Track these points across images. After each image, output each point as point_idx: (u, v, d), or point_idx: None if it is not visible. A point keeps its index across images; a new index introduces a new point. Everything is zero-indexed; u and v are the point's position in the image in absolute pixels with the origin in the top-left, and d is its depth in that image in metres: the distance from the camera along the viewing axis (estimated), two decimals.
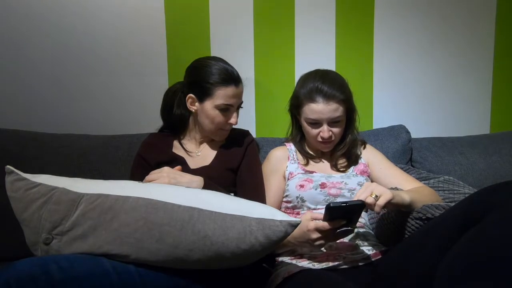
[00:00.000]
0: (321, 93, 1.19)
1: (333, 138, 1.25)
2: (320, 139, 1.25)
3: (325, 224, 0.98)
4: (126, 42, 1.65)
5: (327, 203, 0.96)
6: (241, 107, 1.30)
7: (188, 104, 1.26)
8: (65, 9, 1.60)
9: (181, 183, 1.09)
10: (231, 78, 1.22)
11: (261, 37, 1.70)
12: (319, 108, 1.20)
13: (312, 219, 1.02)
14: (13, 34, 1.59)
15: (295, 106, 1.29)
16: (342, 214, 0.98)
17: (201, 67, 1.24)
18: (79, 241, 0.83)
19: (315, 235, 1.00)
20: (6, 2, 1.57)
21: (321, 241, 1.01)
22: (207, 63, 1.24)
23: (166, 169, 1.13)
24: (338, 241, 1.12)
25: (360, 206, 0.98)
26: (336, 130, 1.24)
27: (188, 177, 1.14)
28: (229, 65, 1.25)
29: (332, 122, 1.22)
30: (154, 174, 1.12)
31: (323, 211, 1.19)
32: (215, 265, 0.86)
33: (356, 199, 1.00)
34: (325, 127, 1.22)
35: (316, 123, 1.23)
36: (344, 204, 0.95)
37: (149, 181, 1.09)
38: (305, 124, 1.27)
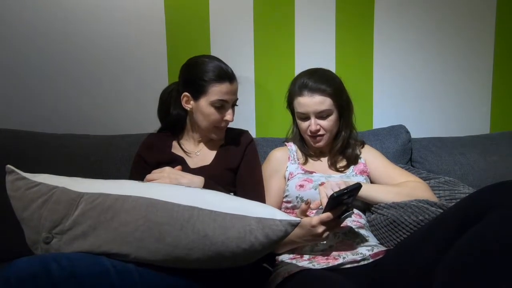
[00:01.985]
0: (306, 87, 1.24)
1: (322, 132, 1.27)
2: (309, 133, 1.27)
3: (329, 215, 1.00)
4: (126, 42, 1.65)
5: (330, 195, 0.97)
6: (236, 105, 1.30)
7: (183, 103, 1.25)
8: (65, 9, 1.60)
9: (181, 184, 1.09)
10: (226, 75, 1.22)
11: (261, 37, 1.70)
12: (304, 101, 1.24)
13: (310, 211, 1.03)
14: (13, 34, 1.59)
15: (289, 103, 1.33)
16: (341, 201, 1.00)
17: (195, 65, 1.24)
18: (79, 240, 0.83)
19: (321, 228, 1.01)
20: (6, 3, 1.57)
21: (327, 232, 1.02)
22: (201, 61, 1.24)
23: (167, 169, 1.13)
24: (340, 240, 1.14)
25: (358, 188, 1.01)
26: (324, 123, 1.26)
27: (188, 177, 1.14)
28: (223, 62, 1.25)
29: (319, 116, 1.25)
30: (155, 174, 1.12)
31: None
32: (215, 264, 0.86)
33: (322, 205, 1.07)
34: (312, 120, 1.25)
35: (305, 117, 1.27)
36: (347, 190, 0.97)
37: (150, 181, 1.09)
38: (297, 119, 1.31)
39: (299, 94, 1.26)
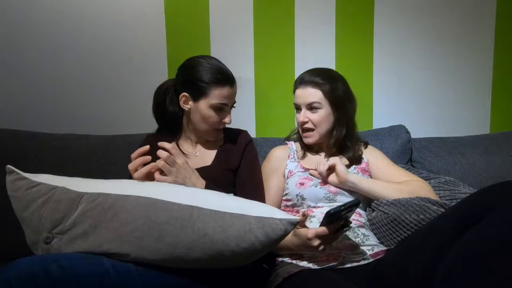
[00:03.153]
0: (302, 81, 1.30)
1: (310, 126, 1.28)
2: (300, 125, 1.30)
3: (324, 230, 0.98)
4: (126, 42, 1.65)
5: (326, 211, 0.96)
6: (234, 107, 1.30)
7: (181, 103, 1.24)
8: (66, 9, 1.61)
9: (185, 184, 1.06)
10: (227, 78, 1.22)
11: (261, 37, 1.70)
12: (298, 93, 1.30)
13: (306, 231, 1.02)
14: (14, 34, 1.59)
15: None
16: (339, 216, 0.98)
17: (196, 66, 1.23)
18: (80, 240, 0.83)
19: (316, 242, 1.00)
20: (7, 2, 1.58)
21: (323, 246, 1.01)
22: (202, 62, 1.23)
23: (178, 164, 1.06)
24: (339, 239, 1.12)
25: (356, 204, 1.00)
26: (313, 117, 1.27)
27: (193, 180, 1.10)
28: (224, 65, 1.25)
29: (310, 108, 1.28)
30: (166, 166, 1.04)
31: (323, 209, 1.21)
32: (215, 264, 0.86)
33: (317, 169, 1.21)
34: (302, 111, 1.29)
35: (298, 109, 1.31)
36: (343, 207, 0.96)
37: (157, 170, 1.04)
38: (296, 112, 1.35)
39: (296, 87, 1.31)
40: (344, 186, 1.21)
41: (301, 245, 1.04)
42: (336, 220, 1.00)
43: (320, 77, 1.27)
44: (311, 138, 1.30)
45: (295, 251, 1.11)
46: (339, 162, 1.22)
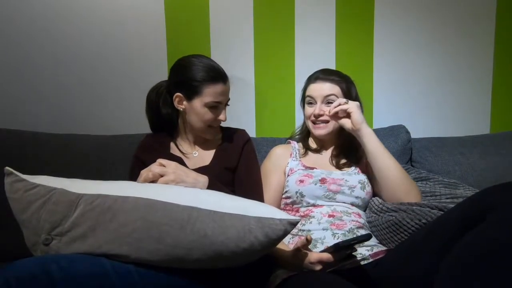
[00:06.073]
0: (318, 77, 1.34)
1: (325, 118, 1.30)
2: (313, 118, 1.32)
3: (329, 257, 0.98)
4: (126, 42, 1.65)
5: (336, 242, 0.95)
6: (228, 105, 1.29)
7: (175, 103, 1.24)
8: (65, 9, 1.60)
9: (186, 182, 1.06)
10: (219, 75, 1.22)
11: (261, 37, 1.70)
12: (315, 86, 1.33)
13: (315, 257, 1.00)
14: (14, 33, 1.59)
15: (302, 94, 1.40)
16: (348, 247, 0.97)
17: (187, 65, 1.22)
18: (79, 242, 0.83)
19: (318, 267, 0.99)
20: (7, 1, 1.57)
21: (323, 269, 1.00)
22: (193, 61, 1.22)
23: (173, 164, 1.09)
24: (339, 240, 1.12)
25: (367, 239, 0.97)
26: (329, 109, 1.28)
27: (193, 175, 1.10)
28: (215, 62, 1.25)
29: (326, 101, 1.30)
30: (159, 167, 1.07)
31: (322, 209, 1.20)
32: (215, 264, 0.86)
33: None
34: (318, 104, 1.31)
35: (311, 103, 1.33)
36: (354, 241, 0.94)
37: (155, 174, 1.05)
38: (305, 106, 1.36)
39: (312, 82, 1.34)
40: (352, 133, 1.24)
41: (299, 266, 1.02)
42: (344, 250, 0.98)
43: (336, 75, 1.32)
44: (324, 130, 1.31)
45: (290, 269, 1.07)
46: (357, 110, 1.22)
